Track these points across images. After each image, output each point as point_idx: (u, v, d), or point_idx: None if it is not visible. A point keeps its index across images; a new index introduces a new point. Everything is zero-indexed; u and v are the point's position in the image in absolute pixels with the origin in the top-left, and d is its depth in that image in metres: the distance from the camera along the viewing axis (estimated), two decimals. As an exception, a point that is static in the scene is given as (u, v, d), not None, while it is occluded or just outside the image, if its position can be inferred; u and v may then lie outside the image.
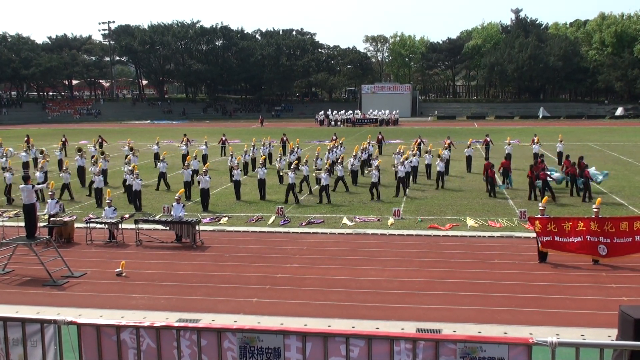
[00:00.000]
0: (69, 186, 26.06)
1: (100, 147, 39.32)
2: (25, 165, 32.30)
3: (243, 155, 32.40)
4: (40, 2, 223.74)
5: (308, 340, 5.77)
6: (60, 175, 26.78)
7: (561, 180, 25.77)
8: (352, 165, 28.87)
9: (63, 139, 40.85)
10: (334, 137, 39.34)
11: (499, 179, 27.00)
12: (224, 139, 40.41)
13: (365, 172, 31.00)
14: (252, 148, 34.33)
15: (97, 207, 23.86)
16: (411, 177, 28.19)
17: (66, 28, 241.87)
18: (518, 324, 11.98)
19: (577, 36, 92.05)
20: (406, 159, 27.40)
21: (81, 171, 29.60)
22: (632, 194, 25.18)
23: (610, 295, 13.50)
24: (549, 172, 24.75)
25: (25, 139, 41.48)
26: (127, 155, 34.44)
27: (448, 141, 33.61)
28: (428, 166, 30.14)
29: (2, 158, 33.15)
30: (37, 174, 26.11)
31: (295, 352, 5.80)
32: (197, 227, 18.60)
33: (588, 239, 15.47)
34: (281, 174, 25.16)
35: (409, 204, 23.91)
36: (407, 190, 26.18)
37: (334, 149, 33.04)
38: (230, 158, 29.30)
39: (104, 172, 29.52)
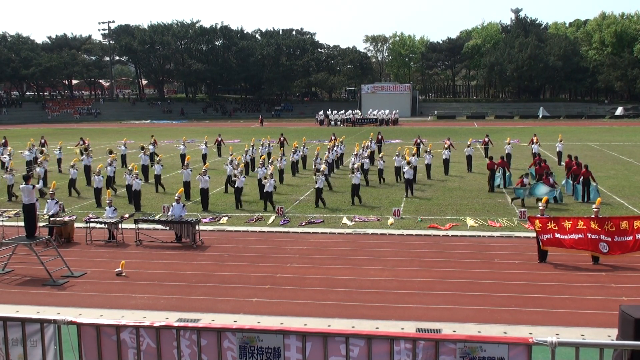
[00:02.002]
0: (74, 182, 26.63)
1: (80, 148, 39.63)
2: (29, 165, 32.36)
3: (243, 155, 32.37)
4: (40, 2, 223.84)
5: (308, 340, 5.77)
6: (69, 170, 27.08)
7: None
8: (353, 163, 28.84)
9: (42, 140, 40.79)
10: (333, 137, 39.36)
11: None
12: (219, 139, 40.36)
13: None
14: (251, 148, 34.31)
15: (97, 207, 23.87)
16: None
17: (66, 28, 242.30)
18: (518, 324, 11.98)
19: (577, 36, 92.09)
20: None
21: (87, 170, 29.70)
22: (632, 193, 25.19)
23: (610, 295, 13.50)
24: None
25: (3, 141, 41.22)
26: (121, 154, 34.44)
27: (448, 142, 33.62)
28: (428, 166, 30.14)
29: (4, 157, 33.21)
30: (37, 169, 26.87)
31: (295, 352, 5.80)
32: (196, 227, 18.60)
33: (589, 236, 15.48)
34: (233, 179, 23.97)
35: (409, 204, 23.92)
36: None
37: (334, 148, 33.09)
38: (229, 158, 29.23)
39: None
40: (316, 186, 23.33)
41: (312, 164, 29.74)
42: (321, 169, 24.62)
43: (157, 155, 31.93)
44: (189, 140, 44.66)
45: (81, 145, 40.50)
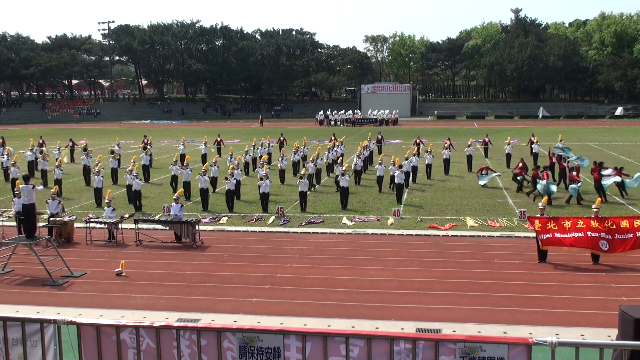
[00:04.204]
0: (60, 182, 26.53)
1: (72, 150, 39.68)
2: (30, 165, 32.37)
3: (244, 155, 32.38)
4: (40, 2, 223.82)
5: (308, 340, 5.77)
6: (54, 171, 26.94)
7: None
8: (354, 164, 28.82)
9: (40, 141, 40.86)
10: (332, 137, 39.39)
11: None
12: (218, 139, 40.38)
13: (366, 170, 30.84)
14: (252, 148, 34.32)
15: (97, 207, 23.86)
16: (411, 177, 28.14)
17: (66, 28, 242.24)
18: (518, 324, 11.98)
19: (576, 36, 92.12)
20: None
21: (86, 170, 29.68)
22: (631, 193, 25.16)
23: (610, 295, 13.50)
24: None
25: (0, 141, 41.15)
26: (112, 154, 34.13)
27: (448, 142, 33.63)
28: (428, 166, 30.14)
29: (3, 157, 33.19)
30: (12, 168, 27.52)
31: (295, 352, 5.80)
32: (196, 227, 18.59)
33: (589, 235, 15.46)
34: (224, 181, 23.62)
35: (409, 204, 23.91)
36: (407, 191, 26.11)
37: (335, 148, 33.08)
38: (229, 158, 29.23)
39: (113, 172, 29.77)
40: (299, 189, 23.04)
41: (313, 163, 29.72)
42: (302, 172, 24.39)
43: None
44: (188, 140, 44.64)
45: (71, 145, 40.54)
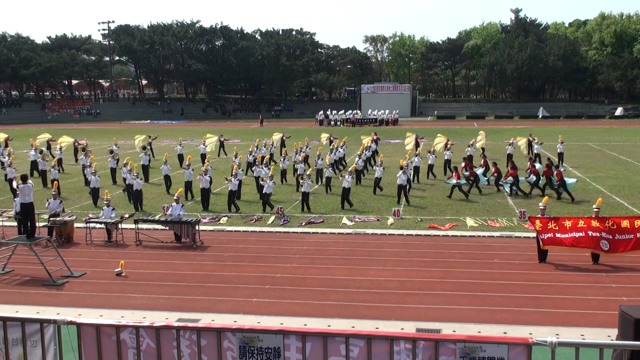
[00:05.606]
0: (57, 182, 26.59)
1: (75, 150, 39.66)
2: (33, 165, 32.38)
3: (247, 155, 32.35)
4: (40, 2, 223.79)
5: (308, 340, 5.76)
6: (50, 171, 26.99)
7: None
8: (355, 164, 28.76)
9: (48, 143, 40.82)
10: (332, 138, 39.32)
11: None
12: (221, 139, 40.32)
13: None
14: (255, 148, 34.28)
15: (95, 207, 23.84)
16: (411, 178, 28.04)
17: (66, 28, 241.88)
18: (518, 324, 11.98)
19: (576, 36, 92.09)
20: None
21: (85, 170, 29.69)
22: (631, 193, 25.19)
23: (610, 295, 13.50)
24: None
25: (4, 141, 41.07)
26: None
27: (448, 142, 33.59)
28: (430, 166, 30.08)
29: (3, 158, 33.17)
30: (8, 168, 27.90)
31: (295, 352, 5.80)
32: (196, 227, 18.59)
33: (590, 234, 15.45)
34: (226, 181, 23.43)
35: (408, 204, 23.90)
36: (409, 192, 26.06)
37: (338, 149, 33.06)
38: (233, 158, 29.21)
39: (112, 172, 29.77)
40: (302, 190, 22.97)
41: (313, 163, 29.75)
42: (307, 173, 24.32)
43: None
44: (187, 140, 44.61)
45: (78, 145, 40.47)
